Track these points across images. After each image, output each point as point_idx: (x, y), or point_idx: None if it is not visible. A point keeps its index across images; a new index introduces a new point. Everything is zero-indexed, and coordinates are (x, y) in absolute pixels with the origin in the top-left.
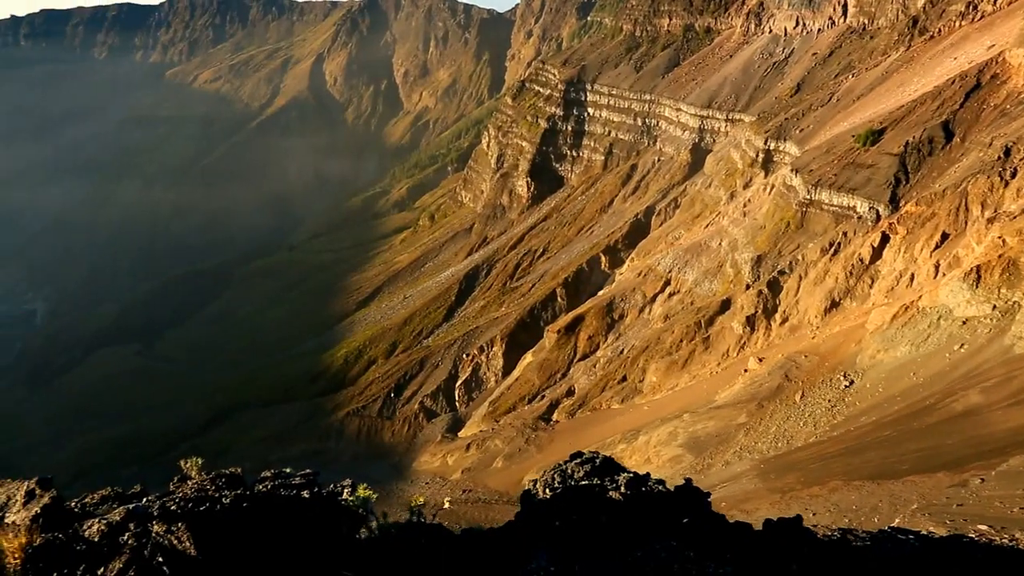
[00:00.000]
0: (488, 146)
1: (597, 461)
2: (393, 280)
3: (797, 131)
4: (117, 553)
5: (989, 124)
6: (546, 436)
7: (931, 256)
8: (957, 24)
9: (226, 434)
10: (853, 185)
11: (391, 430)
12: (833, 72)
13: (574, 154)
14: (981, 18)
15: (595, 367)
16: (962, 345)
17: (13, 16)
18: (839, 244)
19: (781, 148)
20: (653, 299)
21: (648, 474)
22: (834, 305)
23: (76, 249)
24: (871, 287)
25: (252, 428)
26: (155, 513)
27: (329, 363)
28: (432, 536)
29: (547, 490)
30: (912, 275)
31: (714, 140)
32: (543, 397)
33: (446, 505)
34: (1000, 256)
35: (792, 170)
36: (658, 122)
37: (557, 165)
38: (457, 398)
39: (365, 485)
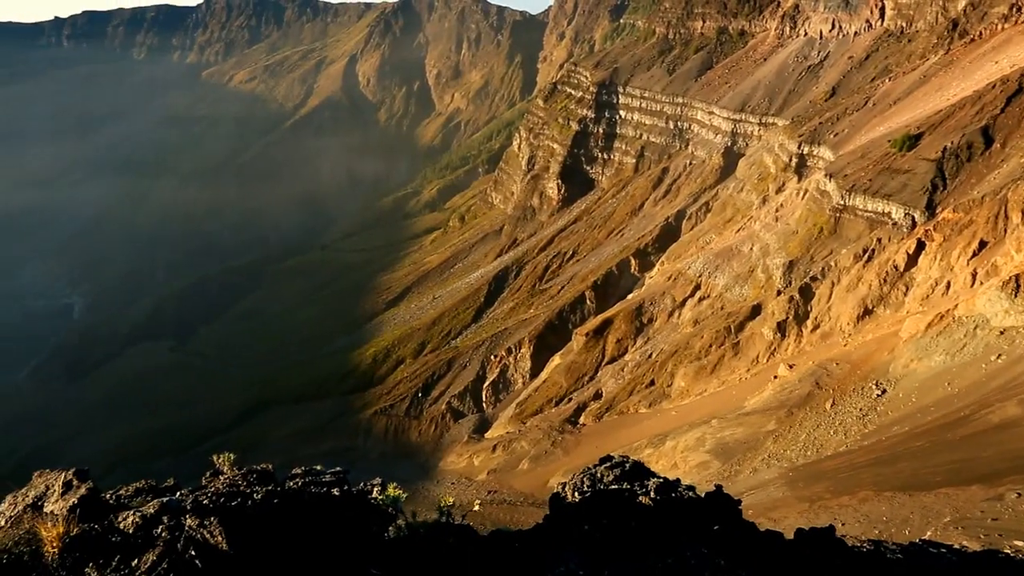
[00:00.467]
0: (519, 148)
1: (627, 465)
2: (423, 280)
3: (831, 135)
4: (151, 545)
5: None
6: (572, 439)
7: (968, 264)
8: (999, 27)
9: (256, 430)
10: (888, 191)
11: (418, 430)
12: (869, 76)
13: (605, 157)
14: None
15: (623, 371)
16: (999, 355)
17: (57, 17)
18: (873, 250)
19: (815, 153)
20: (683, 303)
21: (678, 479)
22: (867, 312)
23: (113, 246)
24: (905, 295)
25: (281, 424)
26: (188, 507)
27: (358, 362)
28: (460, 537)
29: (576, 493)
30: (948, 283)
31: (747, 144)
32: (570, 400)
33: (476, 507)
34: None
35: (826, 175)
36: (690, 125)
37: (588, 167)
38: (484, 399)
39: (395, 484)
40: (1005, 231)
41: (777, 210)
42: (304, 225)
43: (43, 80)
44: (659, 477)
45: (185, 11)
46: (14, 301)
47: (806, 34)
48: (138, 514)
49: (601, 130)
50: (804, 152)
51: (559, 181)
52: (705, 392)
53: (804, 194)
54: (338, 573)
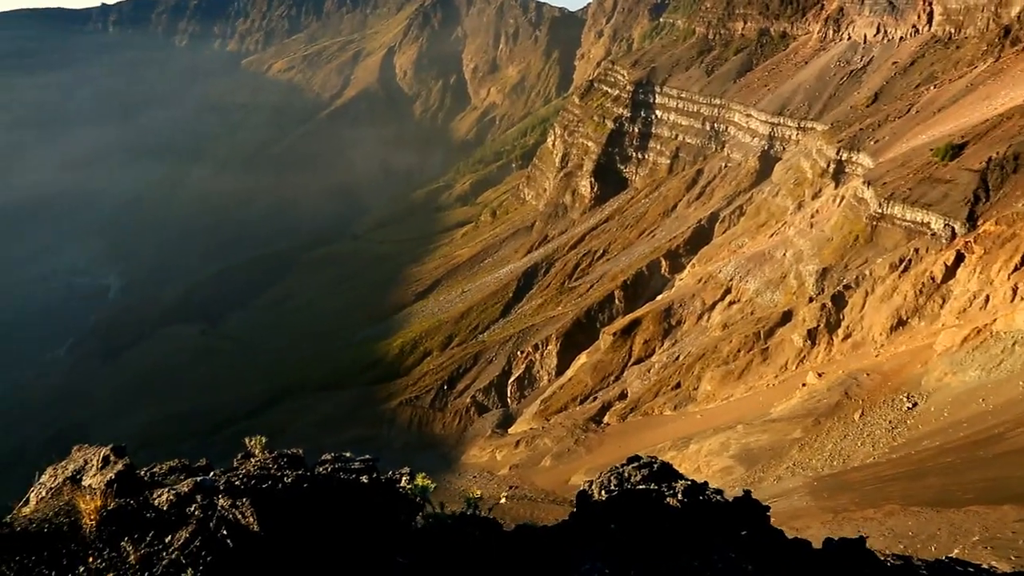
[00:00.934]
0: (553, 145)
1: (655, 466)
2: (452, 274)
3: (872, 142)
4: (184, 523)
5: None
6: (596, 438)
7: (1009, 278)
8: None
9: (282, 415)
10: (928, 200)
11: (442, 422)
12: (914, 82)
13: (639, 156)
14: None
15: (649, 372)
16: None
17: (104, 4)
18: (910, 261)
19: (854, 159)
20: (712, 307)
21: (706, 483)
22: (901, 323)
23: (149, 229)
24: (942, 307)
25: (307, 411)
26: (221, 487)
27: (385, 352)
28: (486, 530)
29: (603, 492)
30: (987, 297)
31: (784, 148)
32: (595, 399)
33: (503, 500)
34: None
35: (864, 182)
36: (727, 127)
37: (622, 167)
38: (509, 394)
39: (424, 474)
40: None
41: (812, 216)
42: (336, 215)
43: (89, 65)
44: (687, 479)
45: (227, 0)
46: (55, 279)
47: (849, 38)
48: (172, 492)
49: (636, 129)
50: (843, 158)
51: (592, 179)
52: (731, 397)
53: (841, 201)
54: (365, 560)
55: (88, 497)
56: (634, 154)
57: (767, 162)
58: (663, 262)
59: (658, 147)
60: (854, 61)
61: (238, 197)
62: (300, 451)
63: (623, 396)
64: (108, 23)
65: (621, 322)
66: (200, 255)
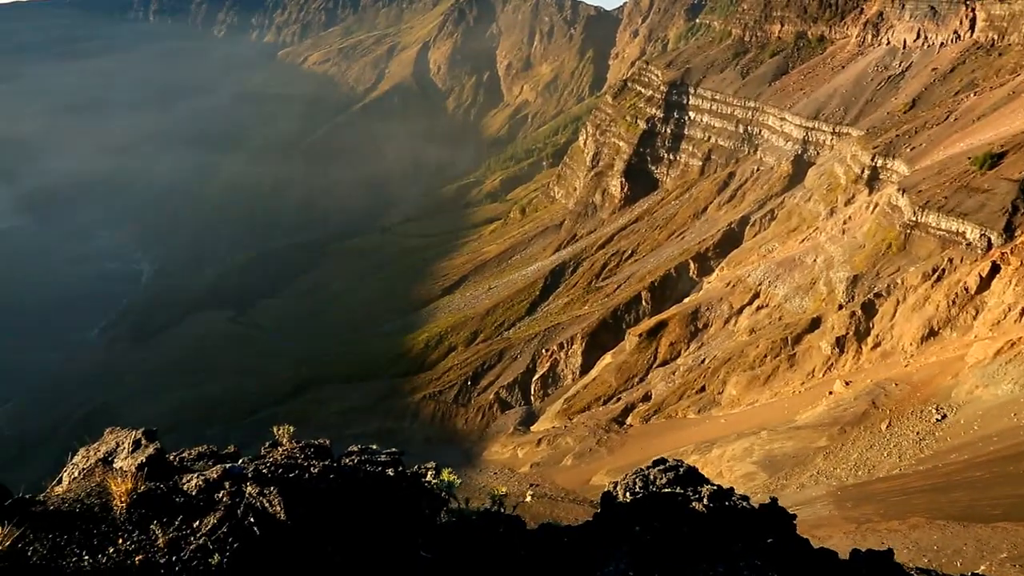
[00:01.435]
0: (585, 143)
1: (681, 470)
2: (480, 270)
3: (908, 149)
4: (212, 509)
5: None
6: (618, 439)
7: None
8: None
9: (306, 404)
10: (964, 210)
11: (464, 417)
12: (953, 89)
13: (671, 157)
14: None
15: (674, 374)
16: None
17: None
18: (943, 270)
19: (889, 166)
20: (740, 311)
21: (732, 488)
22: (932, 334)
23: (182, 216)
24: (975, 318)
25: (331, 401)
26: (249, 475)
27: (410, 346)
28: (510, 527)
29: (628, 494)
30: (1022, 309)
31: (818, 153)
32: (619, 400)
33: (528, 498)
34: None
35: (899, 189)
36: (760, 131)
37: (653, 167)
38: (532, 392)
39: (449, 469)
40: None
41: (845, 222)
42: (366, 207)
43: (129, 53)
44: (713, 484)
45: None
46: (89, 263)
47: (888, 43)
48: (201, 477)
49: (669, 130)
50: (877, 164)
51: (623, 179)
52: (756, 402)
53: (874, 208)
54: (389, 552)
55: (119, 479)
56: (666, 155)
57: (800, 167)
58: (691, 264)
59: (690, 149)
60: (892, 66)
61: (269, 187)
62: (327, 441)
63: (647, 398)
64: (149, 12)
65: (647, 323)
66: (231, 243)
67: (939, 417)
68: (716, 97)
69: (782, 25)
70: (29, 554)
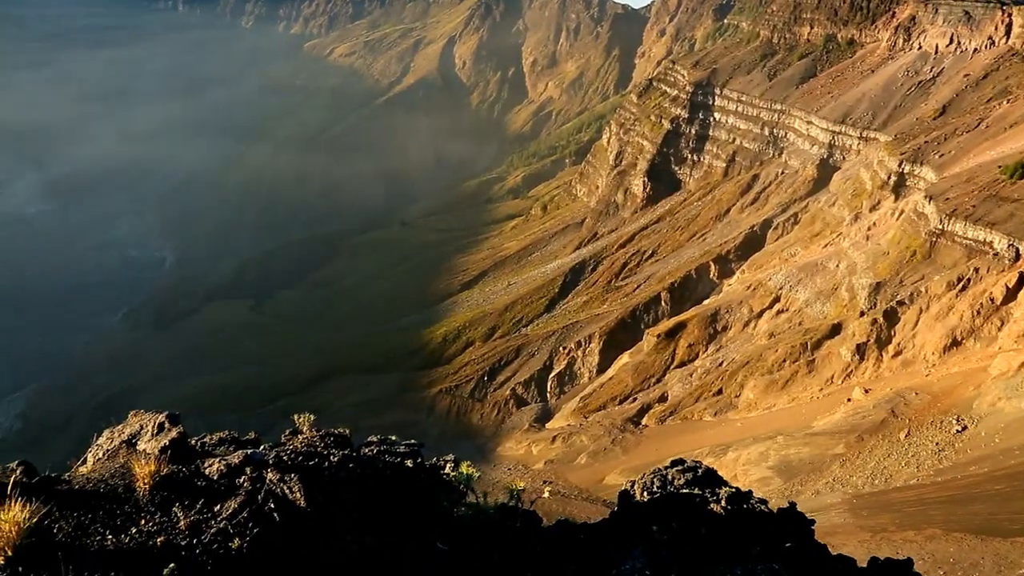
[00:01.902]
0: (608, 142)
1: (699, 471)
2: (499, 266)
3: (936, 156)
4: (233, 494)
5: None
6: (633, 439)
7: None
8: None
9: (323, 395)
10: (993, 219)
11: (480, 412)
12: (985, 96)
13: (695, 158)
14: None
15: (691, 376)
16: None
17: None
18: (969, 280)
19: (916, 172)
20: (760, 314)
21: (750, 491)
22: (955, 344)
23: (205, 205)
24: (1000, 329)
25: (348, 393)
26: (270, 461)
27: (428, 340)
28: (527, 522)
29: (645, 493)
30: None
31: (844, 157)
32: (635, 400)
33: (546, 494)
34: None
35: (926, 196)
36: (786, 133)
37: (676, 168)
38: (548, 389)
39: (468, 463)
40: None
41: (869, 228)
42: (387, 200)
43: (157, 42)
44: (731, 486)
45: None
46: (114, 249)
47: (920, 48)
48: (223, 462)
49: (693, 131)
50: (904, 171)
51: (646, 179)
52: (773, 407)
53: (900, 214)
54: (406, 543)
55: (143, 461)
56: (689, 156)
57: (825, 171)
58: (712, 266)
59: (714, 150)
60: (923, 72)
61: (292, 178)
62: (347, 431)
63: (663, 399)
64: (178, 1)
65: (666, 324)
66: (253, 233)
67: (959, 428)
68: (742, 99)
69: (811, 27)
70: (55, 531)
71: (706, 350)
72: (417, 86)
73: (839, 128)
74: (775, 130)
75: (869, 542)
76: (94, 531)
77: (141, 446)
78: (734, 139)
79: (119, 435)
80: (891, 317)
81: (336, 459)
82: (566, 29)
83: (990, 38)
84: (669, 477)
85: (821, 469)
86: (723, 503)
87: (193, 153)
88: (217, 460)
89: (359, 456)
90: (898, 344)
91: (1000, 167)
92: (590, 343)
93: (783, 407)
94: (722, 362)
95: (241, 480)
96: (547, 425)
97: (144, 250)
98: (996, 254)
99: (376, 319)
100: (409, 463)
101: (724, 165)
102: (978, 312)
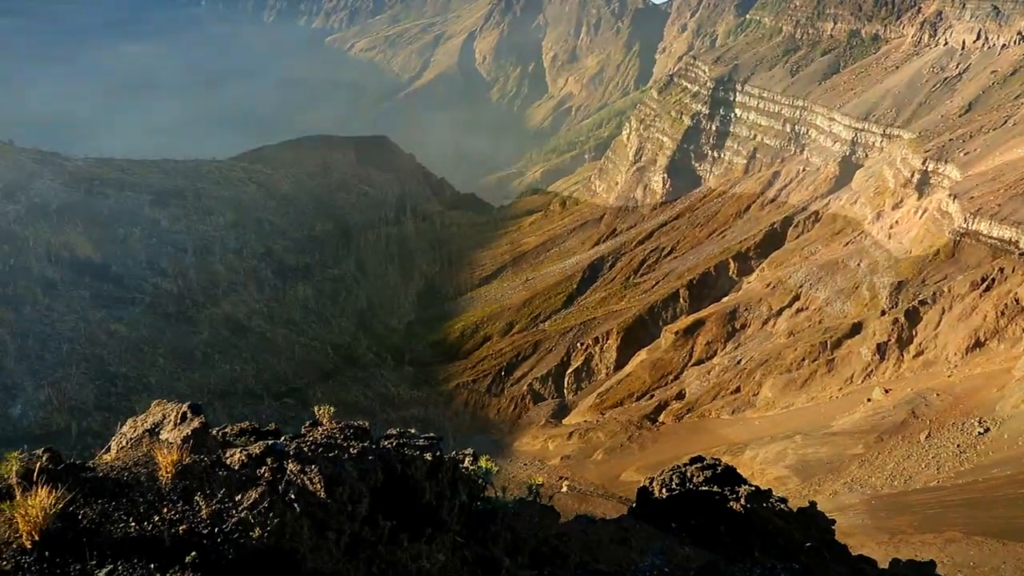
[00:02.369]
0: (628, 138)
1: (718, 469)
2: (518, 261)
3: (961, 154)
4: (254, 484)
5: None
6: (650, 436)
7: None
8: None
9: (339, 387)
10: (1019, 218)
11: (497, 407)
12: (1013, 93)
13: (715, 155)
14: None
15: (709, 374)
16: None
17: None
18: (993, 280)
19: (940, 170)
20: (779, 313)
21: (770, 490)
22: (978, 345)
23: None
24: None
25: (364, 385)
26: (291, 452)
27: (446, 334)
28: (545, 516)
29: (664, 490)
30: None
31: (866, 155)
32: (652, 396)
33: (564, 489)
34: None
35: (950, 195)
36: (808, 130)
37: (696, 164)
38: (566, 385)
39: (488, 457)
40: None
41: (891, 227)
42: (407, 194)
43: (180, 37)
44: (751, 485)
45: None
46: (134, 239)
47: (946, 43)
48: (245, 453)
49: (714, 127)
50: (928, 169)
51: (665, 175)
52: (792, 406)
53: (923, 213)
54: (425, 535)
55: (165, 450)
56: (710, 152)
57: (847, 168)
58: (731, 264)
59: (735, 146)
60: (949, 68)
61: (311, 171)
62: (366, 423)
63: (680, 396)
64: None
65: (684, 321)
66: (272, 224)
67: (981, 430)
68: (764, 95)
69: (835, 23)
70: (79, 517)
71: (724, 348)
72: (437, 81)
73: (862, 125)
74: (797, 127)
75: (887, 544)
76: (118, 518)
77: (164, 435)
78: (755, 135)
79: (142, 424)
80: (913, 317)
81: (356, 451)
82: (587, 24)
83: (1019, 33)
84: (688, 474)
85: (839, 469)
86: (743, 501)
87: (214, 146)
88: (238, 450)
89: (379, 448)
90: (920, 344)
91: None
92: (607, 339)
93: (801, 406)
94: (740, 360)
95: (262, 471)
96: (564, 421)
97: (164, 240)
98: (1022, 253)
99: (393, 313)
100: (428, 456)
101: (745, 161)
102: (1002, 313)
